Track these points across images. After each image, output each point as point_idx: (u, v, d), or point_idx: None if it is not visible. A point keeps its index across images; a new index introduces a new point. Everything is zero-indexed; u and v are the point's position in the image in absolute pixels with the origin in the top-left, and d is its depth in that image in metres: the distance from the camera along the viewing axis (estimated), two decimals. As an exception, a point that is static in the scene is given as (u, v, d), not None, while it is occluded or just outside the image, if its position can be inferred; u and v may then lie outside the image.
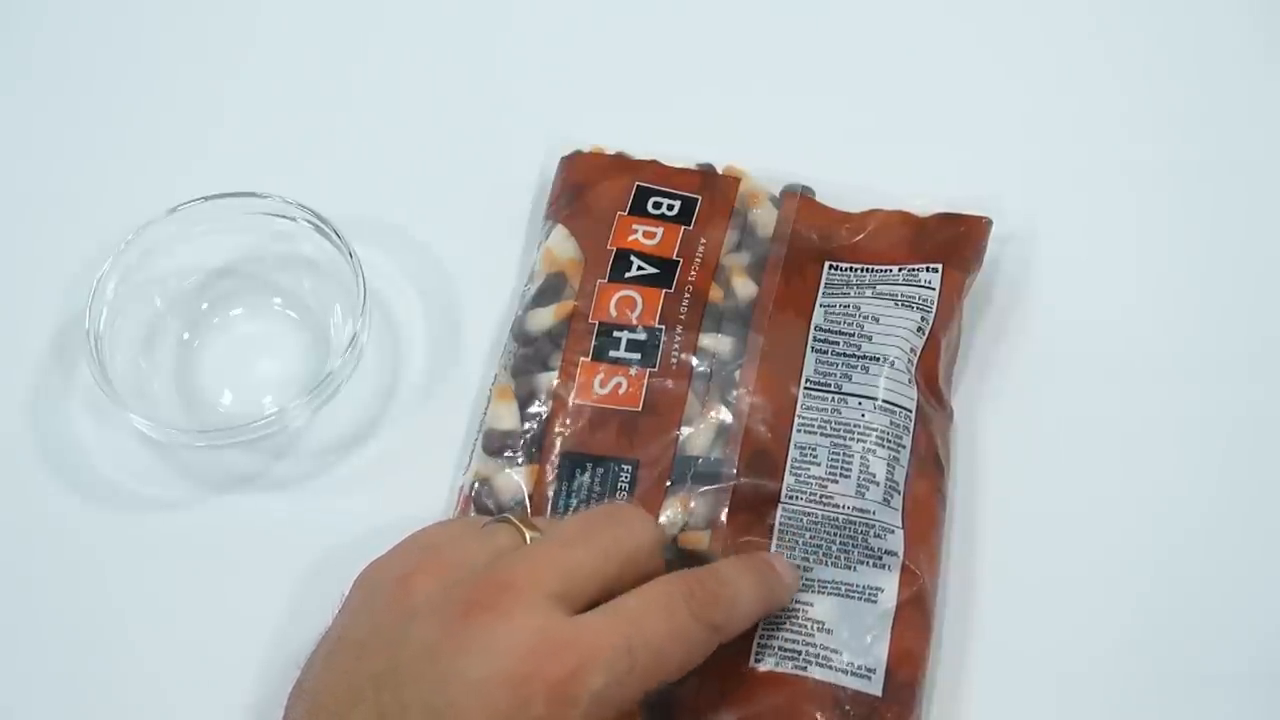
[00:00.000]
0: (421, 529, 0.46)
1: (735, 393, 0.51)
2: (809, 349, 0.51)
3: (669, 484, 0.49)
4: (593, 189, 0.55)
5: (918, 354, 0.51)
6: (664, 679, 0.41)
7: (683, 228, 0.54)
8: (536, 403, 0.51)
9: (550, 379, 0.51)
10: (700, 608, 0.42)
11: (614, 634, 0.40)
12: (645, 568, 0.43)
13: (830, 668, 0.46)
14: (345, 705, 0.40)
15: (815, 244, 0.54)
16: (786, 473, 0.49)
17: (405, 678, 0.39)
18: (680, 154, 0.56)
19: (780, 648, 0.47)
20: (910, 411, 0.50)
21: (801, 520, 0.48)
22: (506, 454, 0.50)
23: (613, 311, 0.52)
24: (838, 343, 0.51)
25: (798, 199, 0.55)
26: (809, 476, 0.49)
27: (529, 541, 0.43)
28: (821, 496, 0.49)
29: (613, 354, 0.52)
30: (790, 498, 0.49)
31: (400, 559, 0.44)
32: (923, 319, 0.51)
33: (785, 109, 0.60)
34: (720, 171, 0.56)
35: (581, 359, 0.52)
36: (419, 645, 0.39)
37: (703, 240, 0.54)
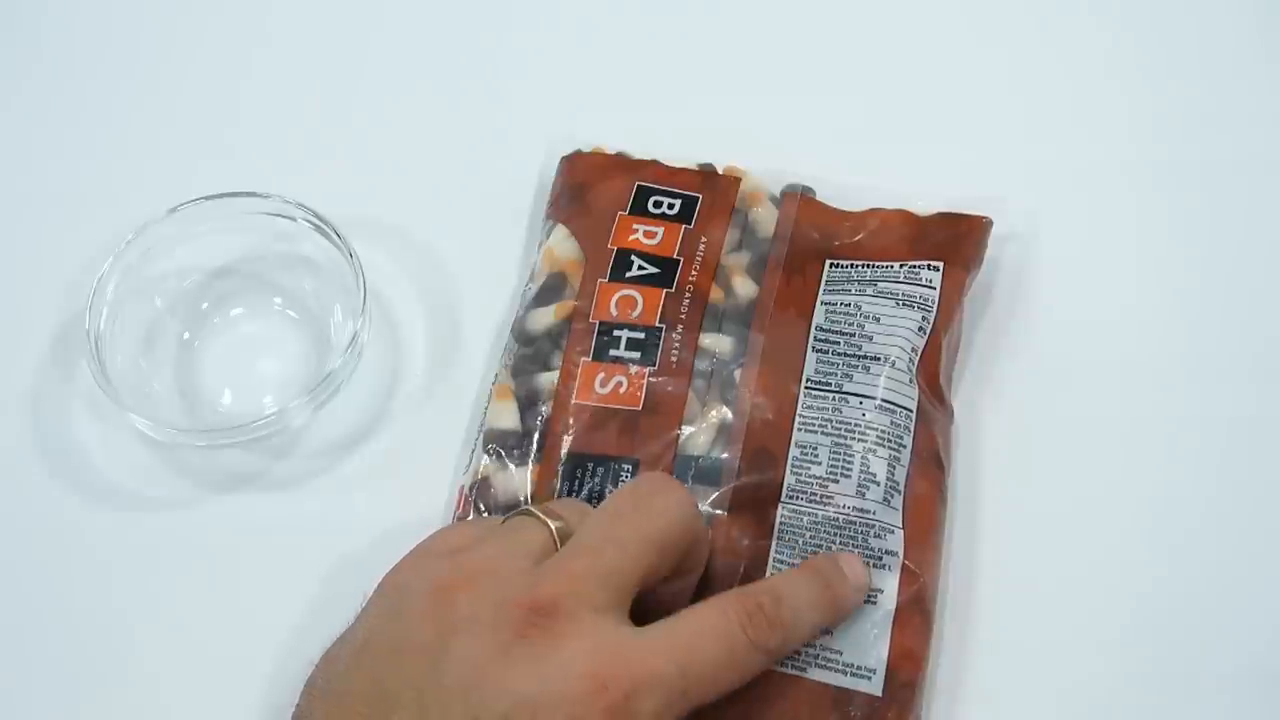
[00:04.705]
0: (439, 531, 0.45)
1: (736, 392, 0.51)
2: (810, 348, 0.51)
3: (670, 483, 0.49)
4: (593, 189, 0.55)
5: (919, 354, 0.51)
6: (713, 699, 0.41)
7: (683, 227, 0.54)
8: (537, 402, 0.51)
9: (551, 379, 0.51)
10: (758, 634, 0.41)
11: (669, 658, 0.40)
12: (683, 542, 0.43)
13: (830, 668, 0.46)
14: (379, 710, 0.39)
15: (816, 243, 0.54)
16: (787, 472, 0.49)
17: (451, 688, 0.39)
18: (680, 154, 0.56)
19: (780, 648, 0.47)
20: (911, 411, 0.50)
21: (802, 520, 0.48)
22: (507, 454, 0.50)
23: (613, 311, 0.52)
24: (838, 342, 0.51)
25: (798, 198, 0.55)
26: (809, 476, 0.49)
27: (555, 532, 0.43)
28: (822, 496, 0.49)
29: (613, 353, 0.52)
30: (790, 497, 0.49)
31: (429, 565, 0.43)
32: (924, 319, 0.51)
33: (785, 109, 0.60)
34: (720, 171, 0.56)
35: (582, 359, 0.52)
36: (465, 659, 0.39)
37: (703, 240, 0.54)
